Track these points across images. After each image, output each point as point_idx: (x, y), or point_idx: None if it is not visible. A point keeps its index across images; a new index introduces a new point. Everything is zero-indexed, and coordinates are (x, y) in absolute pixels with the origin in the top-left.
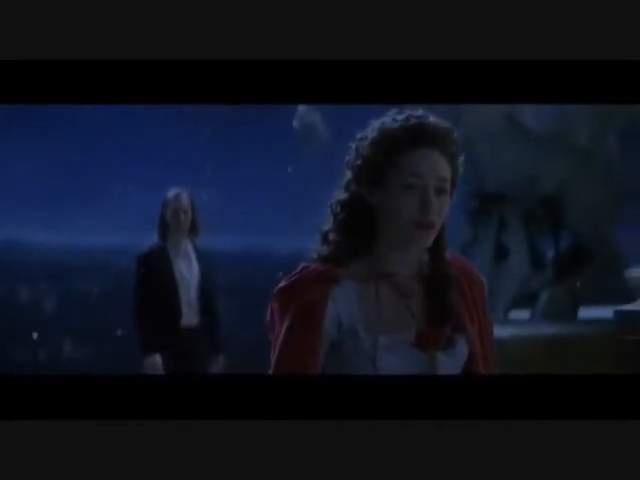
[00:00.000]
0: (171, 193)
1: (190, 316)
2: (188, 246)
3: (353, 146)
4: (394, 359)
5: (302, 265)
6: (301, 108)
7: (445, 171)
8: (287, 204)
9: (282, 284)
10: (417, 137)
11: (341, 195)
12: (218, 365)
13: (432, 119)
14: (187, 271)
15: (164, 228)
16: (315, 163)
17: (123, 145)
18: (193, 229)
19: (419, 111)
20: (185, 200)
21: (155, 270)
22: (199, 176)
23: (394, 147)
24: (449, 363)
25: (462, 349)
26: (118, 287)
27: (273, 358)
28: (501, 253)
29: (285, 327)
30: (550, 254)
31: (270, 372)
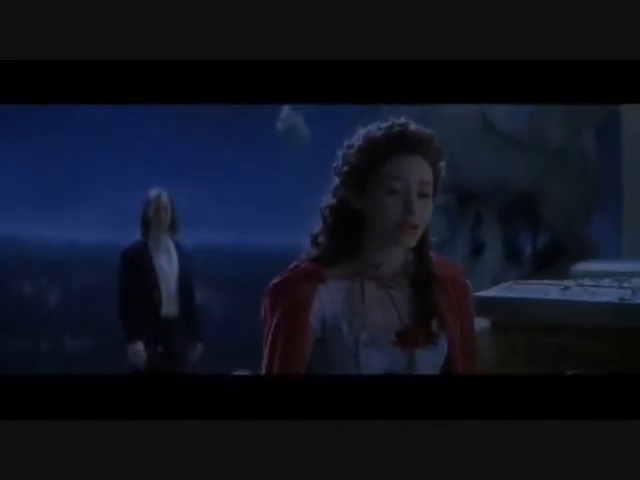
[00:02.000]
0: (152, 193)
1: (170, 307)
2: (168, 242)
3: (340, 154)
4: (375, 355)
5: (293, 264)
6: (284, 110)
7: (427, 175)
8: (275, 203)
9: (273, 281)
10: (400, 144)
11: (329, 200)
12: (196, 353)
13: (414, 127)
14: (167, 265)
15: (146, 225)
16: (301, 163)
17: (121, 145)
18: (173, 226)
19: (402, 119)
20: (165, 199)
21: (137, 264)
22: (194, 176)
23: (378, 154)
24: (428, 360)
25: (442, 347)
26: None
27: (264, 352)
28: (477, 248)
29: (274, 322)
30: (526, 249)
31: (262, 365)
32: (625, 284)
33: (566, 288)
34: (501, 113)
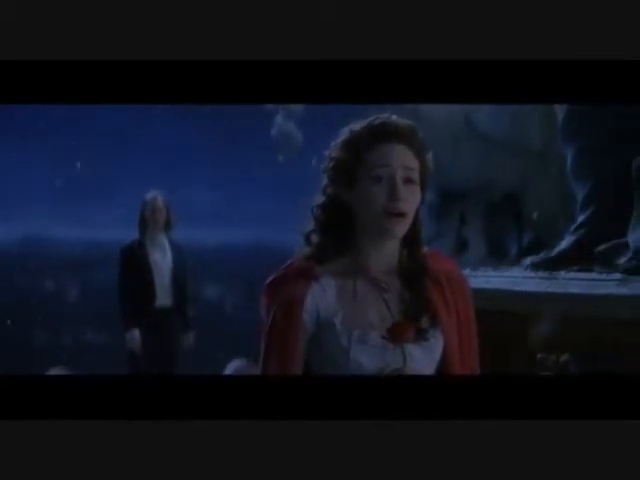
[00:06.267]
0: (149, 195)
1: (164, 298)
2: (163, 239)
3: (327, 153)
4: (366, 351)
5: (289, 261)
6: (278, 117)
7: (411, 162)
8: (290, 201)
9: (269, 279)
10: (382, 134)
11: (320, 199)
12: (188, 340)
13: (396, 118)
14: (161, 260)
15: (143, 225)
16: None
17: (138, 145)
18: (168, 225)
19: (384, 114)
20: (160, 201)
21: (134, 260)
22: (210, 175)
23: (362, 145)
24: (421, 355)
25: (437, 342)
26: None
27: (262, 348)
28: (461, 246)
29: (270, 319)
30: (511, 248)
31: (259, 361)
32: (479, 273)
33: None
34: (484, 115)
